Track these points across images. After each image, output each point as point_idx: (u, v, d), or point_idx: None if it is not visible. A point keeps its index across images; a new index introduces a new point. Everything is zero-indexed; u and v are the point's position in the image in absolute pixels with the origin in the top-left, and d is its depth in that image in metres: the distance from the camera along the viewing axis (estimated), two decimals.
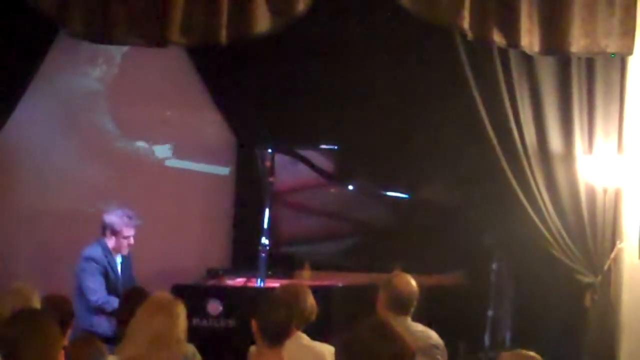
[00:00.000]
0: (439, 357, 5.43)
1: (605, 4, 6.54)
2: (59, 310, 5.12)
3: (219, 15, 6.33)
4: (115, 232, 7.61)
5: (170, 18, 6.29)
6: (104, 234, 7.63)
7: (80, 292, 7.45)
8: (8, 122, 7.36)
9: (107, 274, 7.52)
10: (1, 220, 8.62)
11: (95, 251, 7.55)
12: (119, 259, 7.68)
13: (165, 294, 5.12)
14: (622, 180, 6.71)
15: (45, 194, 8.67)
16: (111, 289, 7.50)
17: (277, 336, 4.85)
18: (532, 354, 4.02)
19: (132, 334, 4.75)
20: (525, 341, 4.35)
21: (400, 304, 5.48)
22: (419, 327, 5.43)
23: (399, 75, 8.26)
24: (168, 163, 8.98)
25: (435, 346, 5.39)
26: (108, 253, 7.59)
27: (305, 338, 5.23)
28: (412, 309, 5.49)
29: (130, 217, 7.69)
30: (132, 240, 7.65)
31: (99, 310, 7.37)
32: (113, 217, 7.64)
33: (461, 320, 7.29)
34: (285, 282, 6.53)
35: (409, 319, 5.42)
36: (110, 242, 7.61)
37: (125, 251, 7.67)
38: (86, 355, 4.32)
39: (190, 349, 5.28)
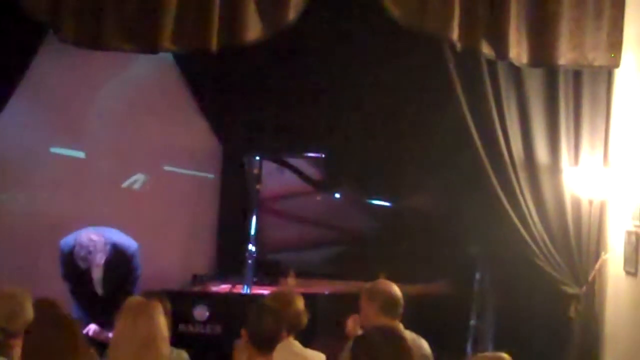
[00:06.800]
0: None
1: (593, 17, 6.57)
2: (52, 314, 5.10)
3: (210, 23, 6.33)
4: None
5: (162, 25, 6.28)
6: None
7: None
8: None
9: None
10: None
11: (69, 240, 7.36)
12: None
13: (138, 298, 5.12)
14: (608, 193, 6.75)
15: (32, 200, 8.62)
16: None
17: (267, 342, 4.89)
18: (501, 354, 4.05)
19: (119, 343, 4.73)
20: (508, 351, 4.35)
21: (393, 308, 5.53)
22: (412, 335, 5.44)
23: (387, 84, 8.31)
24: (153, 169, 8.96)
25: (426, 356, 5.40)
26: None
27: (297, 345, 5.26)
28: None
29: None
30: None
31: None
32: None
33: (444, 330, 7.28)
34: (273, 289, 6.54)
35: (401, 327, 5.43)
36: None
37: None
38: None
39: (184, 355, 5.28)
